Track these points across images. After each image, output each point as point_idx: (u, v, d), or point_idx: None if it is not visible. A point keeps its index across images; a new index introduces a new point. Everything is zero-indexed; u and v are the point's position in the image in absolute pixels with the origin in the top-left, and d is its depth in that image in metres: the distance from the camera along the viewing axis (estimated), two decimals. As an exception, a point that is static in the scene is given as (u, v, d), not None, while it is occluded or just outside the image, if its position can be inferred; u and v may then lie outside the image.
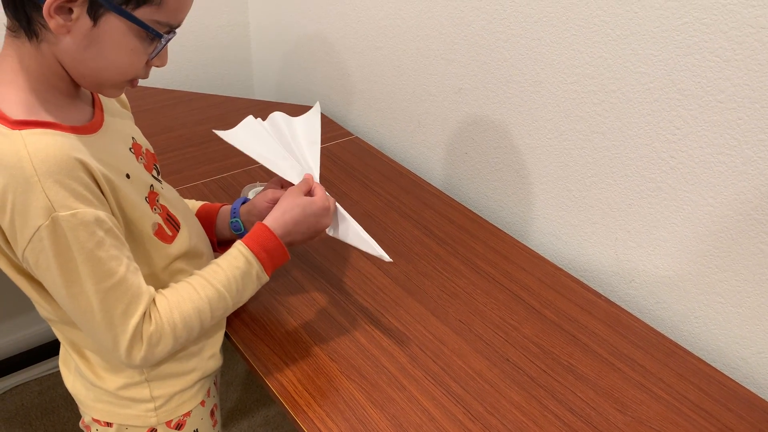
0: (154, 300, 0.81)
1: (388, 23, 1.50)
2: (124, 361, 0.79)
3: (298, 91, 1.94)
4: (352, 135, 1.67)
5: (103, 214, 0.73)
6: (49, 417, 1.87)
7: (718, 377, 0.99)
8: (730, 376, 0.99)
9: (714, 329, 1.06)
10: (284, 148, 1.06)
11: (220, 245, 1.07)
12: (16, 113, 0.70)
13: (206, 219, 1.06)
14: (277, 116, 1.11)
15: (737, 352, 1.04)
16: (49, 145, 0.69)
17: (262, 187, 1.18)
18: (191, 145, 1.59)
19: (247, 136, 1.06)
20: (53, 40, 0.70)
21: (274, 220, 0.92)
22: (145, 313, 0.78)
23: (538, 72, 1.19)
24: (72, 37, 0.70)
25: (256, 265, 0.89)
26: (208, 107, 1.79)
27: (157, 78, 1.88)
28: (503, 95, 1.28)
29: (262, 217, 0.95)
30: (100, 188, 0.74)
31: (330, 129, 1.69)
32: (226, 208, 1.07)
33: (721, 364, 1.06)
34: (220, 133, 1.04)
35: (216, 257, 0.91)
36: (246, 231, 1.02)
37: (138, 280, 0.78)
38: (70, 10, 0.68)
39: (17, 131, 0.69)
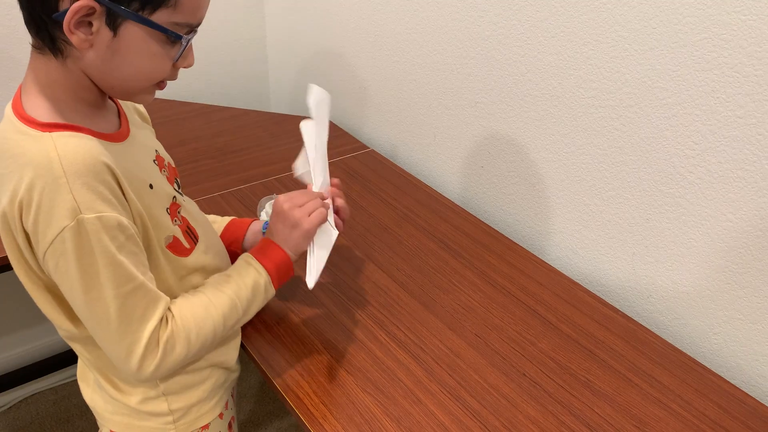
0: (169, 307, 0.81)
1: (405, 37, 1.51)
2: (133, 372, 0.78)
3: (315, 104, 1.95)
4: (368, 148, 1.67)
5: (125, 220, 0.74)
6: (64, 426, 1.87)
7: (737, 394, 0.97)
8: (750, 394, 0.98)
9: (733, 346, 1.05)
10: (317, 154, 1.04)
11: None
12: (44, 117, 0.72)
13: (234, 229, 1.07)
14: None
15: (757, 370, 1.03)
16: (79, 147, 0.70)
17: None
18: (208, 157, 1.60)
19: (321, 113, 1.04)
20: (78, 55, 0.71)
21: (272, 234, 0.94)
22: (160, 320, 0.78)
23: (555, 86, 1.20)
24: (95, 50, 0.71)
25: (264, 276, 0.90)
26: (224, 120, 1.81)
27: (174, 91, 1.91)
28: (519, 109, 1.28)
29: None
30: (123, 194, 0.75)
31: (346, 141, 1.70)
32: (257, 223, 1.08)
33: (740, 381, 1.05)
34: (313, 94, 1.02)
35: None
36: None
37: (154, 287, 0.79)
38: (90, 24, 0.68)
39: (47, 133, 0.70)
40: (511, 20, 1.23)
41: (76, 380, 2.00)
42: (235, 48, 2.02)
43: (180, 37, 0.73)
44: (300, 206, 0.94)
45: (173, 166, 0.94)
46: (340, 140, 1.71)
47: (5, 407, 1.93)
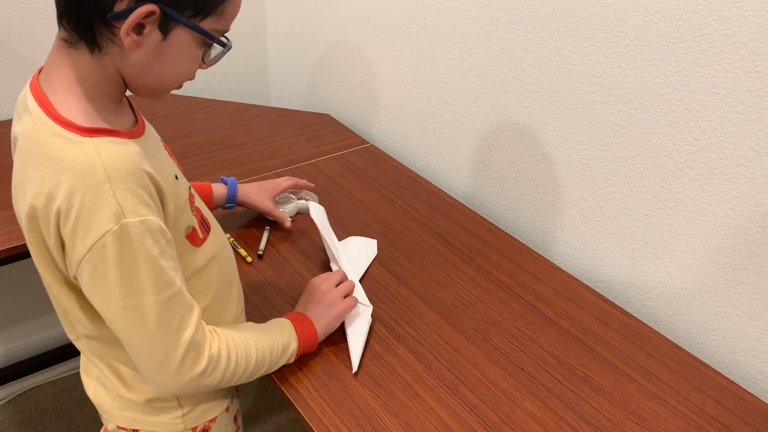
0: (215, 329, 0.83)
1: (406, 32, 1.51)
2: (170, 380, 0.78)
3: (314, 98, 1.95)
4: (368, 143, 1.67)
5: (164, 225, 0.74)
6: (63, 420, 1.88)
7: (735, 390, 0.98)
8: (749, 390, 0.99)
9: (732, 342, 1.06)
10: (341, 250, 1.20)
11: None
12: (82, 120, 0.71)
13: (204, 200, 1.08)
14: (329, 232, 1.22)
15: (755, 366, 1.03)
16: (120, 154, 0.70)
17: (292, 197, 1.36)
18: (208, 151, 1.60)
19: (323, 219, 1.20)
20: (119, 53, 0.71)
21: (305, 309, 1.01)
22: (197, 328, 0.78)
23: (555, 82, 1.19)
24: (141, 50, 0.71)
25: (294, 343, 0.95)
26: (225, 114, 1.80)
27: (175, 85, 1.90)
28: (520, 104, 1.28)
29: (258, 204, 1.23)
30: (161, 196, 0.75)
31: (346, 137, 1.70)
32: (219, 189, 1.23)
33: (738, 377, 1.05)
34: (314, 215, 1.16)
35: None
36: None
37: (189, 295, 0.79)
38: (142, 26, 0.70)
39: (88, 138, 0.70)
40: (512, 15, 1.23)
41: (75, 374, 2.01)
42: (236, 42, 2.01)
43: (224, 44, 0.77)
44: (335, 287, 1.03)
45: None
46: (340, 135, 1.71)
47: (4, 400, 1.93)
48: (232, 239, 1.24)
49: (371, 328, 1.05)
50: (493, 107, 1.35)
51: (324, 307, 1.00)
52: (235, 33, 1.99)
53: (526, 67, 1.24)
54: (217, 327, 0.84)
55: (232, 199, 1.25)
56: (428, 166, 1.59)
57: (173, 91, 0.82)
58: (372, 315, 1.07)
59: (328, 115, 1.82)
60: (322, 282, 1.03)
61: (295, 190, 1.39)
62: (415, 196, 1.44)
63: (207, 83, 2.01)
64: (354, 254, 1.21)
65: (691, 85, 0.99)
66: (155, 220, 0.72)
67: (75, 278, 0.75)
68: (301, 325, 0.97)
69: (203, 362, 0.79)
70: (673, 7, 0.97)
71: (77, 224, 0.69)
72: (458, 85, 1.41)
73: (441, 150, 1.53)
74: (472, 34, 1.33)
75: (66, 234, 0.70)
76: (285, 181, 1.33)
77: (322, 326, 0.99)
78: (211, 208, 1.19)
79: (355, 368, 0.97)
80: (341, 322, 1.02)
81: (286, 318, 0.97)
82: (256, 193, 1.28)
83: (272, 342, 0.90)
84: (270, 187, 1.31)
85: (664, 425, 0.91)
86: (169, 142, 0.96)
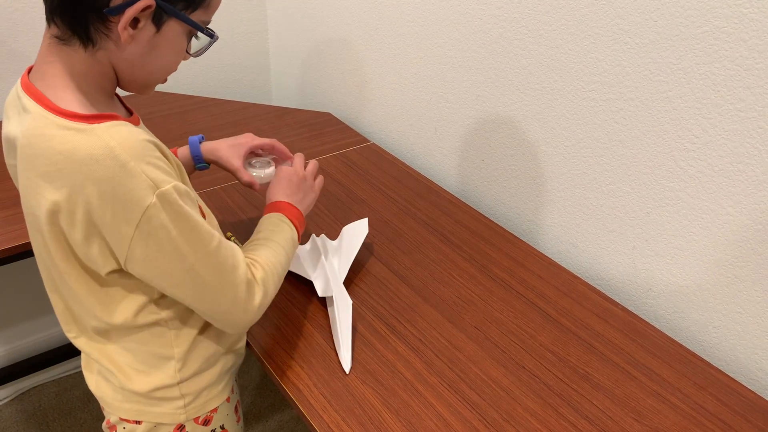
0: (248, 255, 0.88)
1: (407, 30, 1.51)
2: (242, 316, 0.83)
3: (316, 97, 1.95)
4: (369, 141, 1.67)
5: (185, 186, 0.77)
6: (66, 419, 1.88)
7: (736, 388, 0.98)
8: (749, 387, 0.99)
9: (733, 339, 1.06)
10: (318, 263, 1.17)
11: None
12: (84, 110, 0.72)
13: None
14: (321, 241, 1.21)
15: (756, 363, 1.03)
16: (130, 133, 0.71)
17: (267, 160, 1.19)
18: (210, 150, 1.60)
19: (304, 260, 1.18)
20: (112, 47, 0.73)
21: (286, 196, 1.04)
22: (244, 262, 0.83)
23: (555, 80, 1.19)
24: (135, 44, 0.73)
25: (294, 231, 1.00)
26: (226, 113, 1.80)
27: (176, 83, 1.91)
28: (520, 103, 1.28)
29: (232, 157, 1.12)
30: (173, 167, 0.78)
31: (347, 135, 1.70)
32: (182, 149, 1.15)
33: (739, 374, 1.05)
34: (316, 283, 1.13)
35: None
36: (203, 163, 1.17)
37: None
38: (137, 20, 0.71)
39: (96, 125, 0.70)
40: (512, 13, 1.23)
41: (78, 372, 2.01)
42: (237, 41, 2.01)
43: (213, 35, 0.79)
44: (307, 174, 1.10)
45: None
46: (340, 134, 1.71)
47: (8, 399, 1.94)
48: (233, 237, 1.24)
49: (372, 326, 1.06)
50: (493, 105, 1.35)
51: (303, 192, 1.07)
52: (236, 32, 2.00)
53: (526, 65, 1.24)
54: (249, 250, 0.90)
55: (198, 158, 1.14)
56: (429, 164, 1.59)
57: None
58: (372, 312, 1.07)
59: (329, 114, 1.82)
60: (298, 171, 1.09)
61: (276, 156, 1.19)
62: (416, 194, 1.44)
63: (208, 82, 2.01)
64: (344, 250, 1.19)
65: (692, 82, 0.99)
66: (180, 184, 0.75)
67: (124, 266, 0.76)
68: (293, 213, 1.01)
69: (260, 291, 0.85)
70: (673, 5, 0.97)
71: (116, 208, 0.70)
72: (459, 83, 1.41)
73: (442, 148, 1.53)
74: (472, 32, 1.33)
75: (106, 222, 0.71)
76: (259, 140, 1.15)
77: (305, 208, 1.06)
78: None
79: (347, 368, 0.98)
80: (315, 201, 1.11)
81: (276, 211, 1.00)
82: (225, 149, 1.13)
83: (285, 243, 0.95)
84: (242, 142, 1.14)
85: (664, 422, 0.91)
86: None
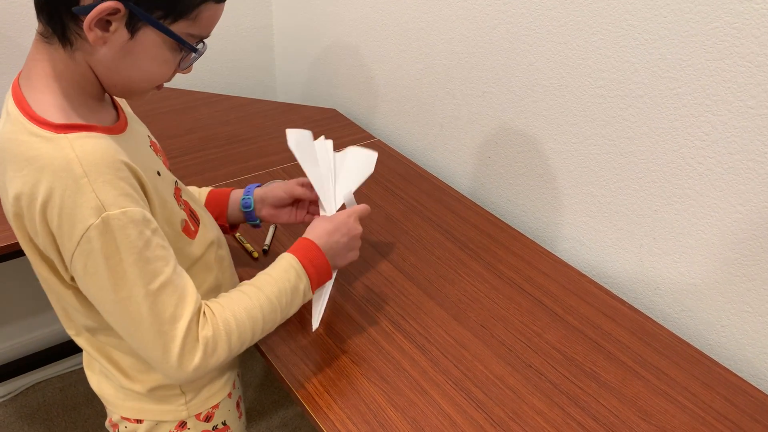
0: (207, 305, 0.80)
1: (413, 27, 1.50)
2: (174, 370, 0.76)
3: (321, 93, 1.94)
4: (375, 138, 1.67)
5: (149, 214, 0.73)
6: (71, 414, 1.89)
7: (745, 387, 0.97)
8: (758, 387, 0.98)
9: (741, 339, 1.05)
10: (331, 176, 1.07)
11: (232, 228, 1.11)
12: (57, 118, 0.71)
13: (217, 202, 1.07)
14: (329, 145, 1.10)
15: (765, 362, 1.02)
16: (96, 147, 0.70)
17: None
18: (214, 146, 1.60)
19: (307, 147, 1.06)
20: (88, 49, 0.71)
21: (318, 238, 0.93)
22: (192, 316, 0.76)
23: (563, 76, 1.18)
24: (108, 48, 0.71)
25: (305, 280, 0.90)
26: (231, 109, 1.80)
27: (181, 80, 1.90)
28: (528, 99, 1.27)
29: (277, 203, 1.03)
30: (144, 189, 0.75)
31: (352, 132, 1.70)
32: (237, 191, 1.08)
33: (748, 374, 1.04)
34: (289, 133, 1.04)
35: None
36: (253, 210, 1.07)
37: (184, 281, 0.77)
38: (108, 23, 0.69)
39: (62, 135, 0.70)
40: (519, 9, 1.22)
41: (82, 368, 2.01)
42: (242, 37, 2.01)
43: (195, 49, 0.75)
44: (359, 232, 0.99)
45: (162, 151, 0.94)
46: (346, 130, 1.70)
47: (12, 395, 1.94)
48: (239, 234, 1.24)
49: (378, 323, 1.05)
50: (500, 102, 1.34)
51: (346, 248, 0.96)
52: (241, 28, 1.99)
53: (533, 62, 1.23)
54: (214, 300, 0.82)
55: (247, 206, 1.07)
56: (434, 162, 1.58)
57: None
58: (377, 310, 1.07)
59: (334, 110, 1.82)
60: (356, 220, 0.98)
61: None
62: (422, 192, 1.43)
63: (213, 78, 2.01)
64: (344, 173, 1.09)
65: (702, 79, 0.98)
66: (137, 210, 0.71)
67: (71, 273, 0.75)
68: (313, 259, 0.91)
69: (199, 353, 0.77)
70: (683, 0, 0.96)
71: (62, 221, 0.69)
72: (465, 79, 1.40)
73: (447, 145, 1.52)
74: (478, 28, 1.33)
75: (54, 231, 0.71)
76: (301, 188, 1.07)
77: (337, 263, 0.95)
78: (225, 213, 1.08)
79: (315, 326, 0.95)
80: (348, 242, 0.97)
81: (294, 254, 0.90)
82: (274, 189, 1.08)
83: (277, 293, 0.86)
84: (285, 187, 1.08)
85: (672, 422, 0.91)
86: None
